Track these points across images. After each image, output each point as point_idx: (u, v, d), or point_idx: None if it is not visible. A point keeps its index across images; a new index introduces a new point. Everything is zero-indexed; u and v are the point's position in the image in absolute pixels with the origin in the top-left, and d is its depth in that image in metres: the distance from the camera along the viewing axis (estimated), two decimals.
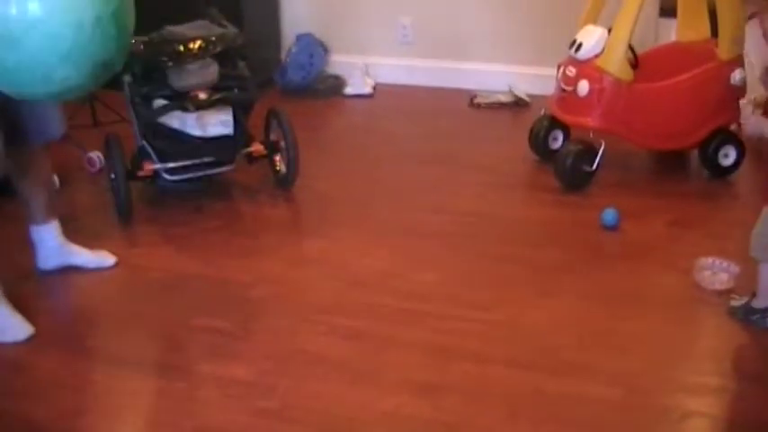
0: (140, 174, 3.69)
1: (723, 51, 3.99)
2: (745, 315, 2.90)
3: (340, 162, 4.40)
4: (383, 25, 5.54)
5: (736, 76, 3.99)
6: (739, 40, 4.01)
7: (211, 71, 3.68)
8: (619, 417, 2.50)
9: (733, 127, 4.16)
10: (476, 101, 5.19)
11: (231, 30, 3.84)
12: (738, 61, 4.03)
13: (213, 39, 3.70)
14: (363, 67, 5.49)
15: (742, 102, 3.89)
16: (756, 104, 3.05)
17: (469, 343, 2.84)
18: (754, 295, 2.89)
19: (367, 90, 5.44)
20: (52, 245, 3.27)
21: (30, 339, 2.87)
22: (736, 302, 2.96)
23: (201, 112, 3.63)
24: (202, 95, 3.59)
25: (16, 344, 2.86)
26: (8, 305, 2.92)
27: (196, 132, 3.65)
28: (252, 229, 3.73)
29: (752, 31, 3.92)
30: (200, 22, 3.90)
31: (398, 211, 3.82)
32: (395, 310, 3.04)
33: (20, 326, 2.89)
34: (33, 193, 3.19)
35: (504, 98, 5.19)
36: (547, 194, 3.97)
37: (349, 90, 5.46)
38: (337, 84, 5.51)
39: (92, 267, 3.32)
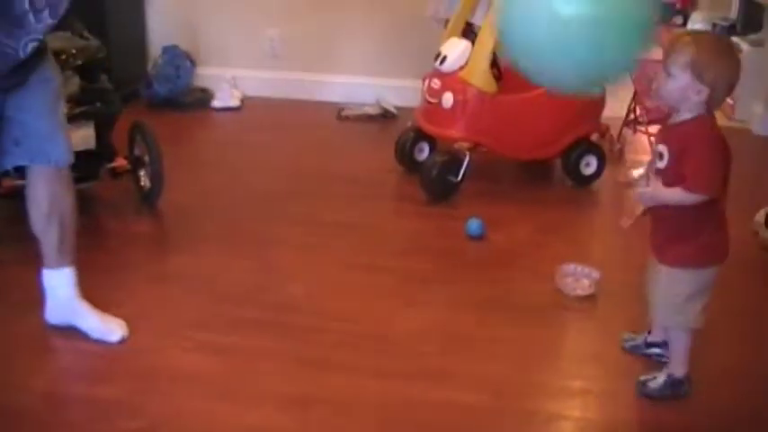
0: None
1: None
2: (673, 390, 2.60)
3: (207, 176, 4.35)
4: (250, 38, 5.51)
5: None
6: None
7: (72, 84, 3.58)
8: (486, 422, 2.54)
9: (594, 137, 4.29)
10: (344, 113, 5.21)
11: (93, 42, 3.76)
12: None
13: (74, 51, 3.62)
14: (231, 79, 5.45)
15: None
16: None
17: (338, 355, 2.84)
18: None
19: (234, 103, 5.40)
20: (62, 295, 2.91)
21: None
22: (653, 382, 2.63)
23: None
24: (63, 109, 3.49)
25: None
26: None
27: None
28: (116, 245, 3.65)
29: None
30: (60, 34, 3.78)
31: (266, 223, 3.79)
32: (262, 323, 3.01)
33: None
34: (43, 229, 2.82)
35: (371, 110, 5.23)
36: (414, 205, 4.01)
37: (216, 103, 5.41)
38: (204, 96, 5.45)
39: (94, 338, 2.88)
